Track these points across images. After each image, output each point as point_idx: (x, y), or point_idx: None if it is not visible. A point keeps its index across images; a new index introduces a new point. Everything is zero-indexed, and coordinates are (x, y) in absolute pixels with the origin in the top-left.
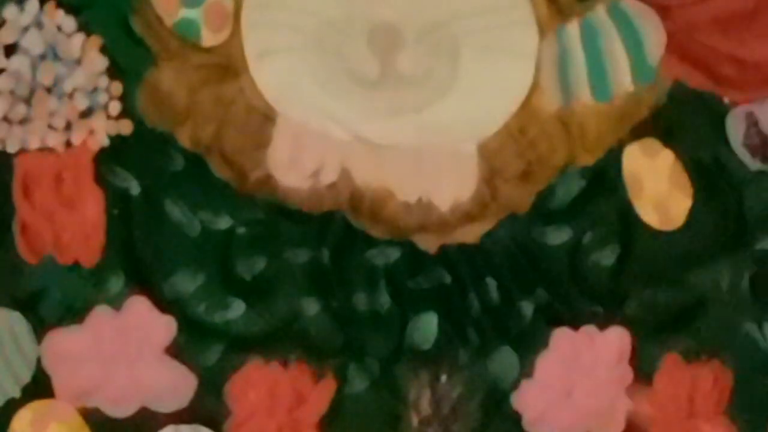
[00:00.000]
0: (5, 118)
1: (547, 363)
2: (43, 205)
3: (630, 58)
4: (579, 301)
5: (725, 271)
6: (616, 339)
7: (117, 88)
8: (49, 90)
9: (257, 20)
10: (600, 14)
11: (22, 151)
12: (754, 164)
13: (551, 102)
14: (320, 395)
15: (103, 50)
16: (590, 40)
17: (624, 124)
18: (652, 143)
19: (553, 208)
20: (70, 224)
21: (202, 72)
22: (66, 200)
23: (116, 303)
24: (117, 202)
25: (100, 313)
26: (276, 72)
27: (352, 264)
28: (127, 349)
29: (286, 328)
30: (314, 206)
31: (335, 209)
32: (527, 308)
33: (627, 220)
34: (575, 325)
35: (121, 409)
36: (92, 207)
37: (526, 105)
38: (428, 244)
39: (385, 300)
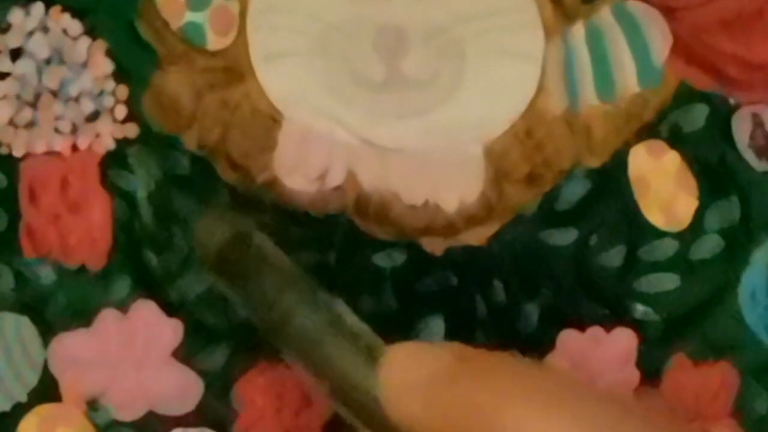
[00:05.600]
0: (11, 123)
1: (553, 365)
2: (50, 209)
3: (635, 59)
4: (585, 302)
5: (731, 271)
6: (623, 340)
7: (123, 91)
8: (54, 94)
9: (263, 24)
10: (605, 16)
11: (28, 155)
12: (760, 165)
13: (557, 104)
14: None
15: (109, 54)
16: (596, 42)
17: (630, 125)
18: (658, 144)
19: (559, 210)
20: (77, 228)
21: (207, 75)
22: (72, 204)
23: (123, 307)
24: (123, 205)
25: (107, 316)
26: (282, 75)
27: (358, 267)
28: (134, 352)
29: None
30: (320, 209)
31: (341, 212)
32: (533, 310)
33: (633, 221)
34: (581, 327)
35: (127, 413)
36: (98, 211)
37: (532, 107)
38: (434, 246)
39: (391, 302)
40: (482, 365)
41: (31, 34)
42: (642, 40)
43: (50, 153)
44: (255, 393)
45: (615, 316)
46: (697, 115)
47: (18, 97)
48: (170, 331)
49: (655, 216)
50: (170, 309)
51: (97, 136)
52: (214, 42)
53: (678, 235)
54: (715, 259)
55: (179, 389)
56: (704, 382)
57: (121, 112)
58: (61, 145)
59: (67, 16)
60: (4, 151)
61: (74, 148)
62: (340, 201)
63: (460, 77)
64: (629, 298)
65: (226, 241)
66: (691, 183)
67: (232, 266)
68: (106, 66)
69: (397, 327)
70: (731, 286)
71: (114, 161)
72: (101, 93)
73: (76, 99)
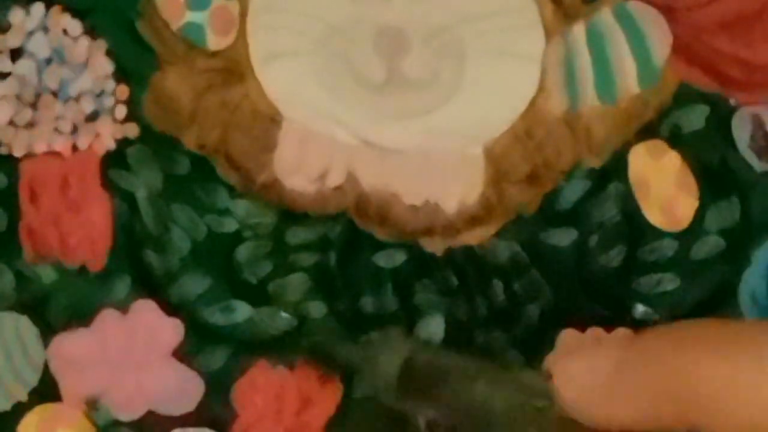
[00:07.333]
0: (11, 123)
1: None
2: (50, 210)
3: (636, 60)
4: (585, 303)
5: (732, 272)
6: None
7: (123, 91)
8: (55, 94)
9: (263, 24)
10: (606, 16)
11: (28, 155)
12: (760, 166)
13: (557, 105)
14: (327, 398)
15: (109, 54)
16: (596, 42)
17: (630, 126)
18: (659, 145)
19: (559, 211)
20: (77, 228)
21: (207, 76)
22: (72, 204)
23: (123, 306)
24: (123, 205)
25: (107, 316)
26: (282, 76)
27: (358, 267)
28: (134, 352)
29: (292, 331)
30: (320, 209)
31: (341, 212)
32: (534, 311)
33: (633, 221)
34: (582, 327)
35: (127, 413)
36: (99, 211)
37: (533, 108)
38: (435, 247)
39: (391, 303)
40: (653, 340)
41: (31, 34)
42: (642, 41)
43: (50, 153)
44: (255, 393)
45: (615, 316)
46: (698, 116)
47: (18, 97)
48: (170, 331)
49: (655, 216)
50: (170, 309)
51: (97, 136)
52: (214, 42)
53: (678, 236)
54: (716, 260)
55: (179, 389)
56: None
57: (121, 112)
58: (61, 145)
59: (67, 16)
60: (5, 151)
61: (74, 148)
62: (341, 201)
63: (461, 78)
64: (629, 298)
65: (404, 364)
66: (692, 183)
67: (416, 384)
68: (106, 66)
69: (397, 327)
70: (731, 287)
71: (114, 161)
72: (101, 93)
73: (77, 99)
